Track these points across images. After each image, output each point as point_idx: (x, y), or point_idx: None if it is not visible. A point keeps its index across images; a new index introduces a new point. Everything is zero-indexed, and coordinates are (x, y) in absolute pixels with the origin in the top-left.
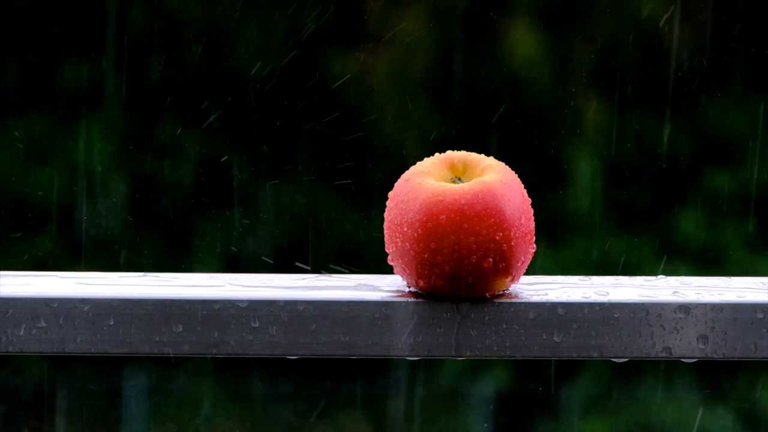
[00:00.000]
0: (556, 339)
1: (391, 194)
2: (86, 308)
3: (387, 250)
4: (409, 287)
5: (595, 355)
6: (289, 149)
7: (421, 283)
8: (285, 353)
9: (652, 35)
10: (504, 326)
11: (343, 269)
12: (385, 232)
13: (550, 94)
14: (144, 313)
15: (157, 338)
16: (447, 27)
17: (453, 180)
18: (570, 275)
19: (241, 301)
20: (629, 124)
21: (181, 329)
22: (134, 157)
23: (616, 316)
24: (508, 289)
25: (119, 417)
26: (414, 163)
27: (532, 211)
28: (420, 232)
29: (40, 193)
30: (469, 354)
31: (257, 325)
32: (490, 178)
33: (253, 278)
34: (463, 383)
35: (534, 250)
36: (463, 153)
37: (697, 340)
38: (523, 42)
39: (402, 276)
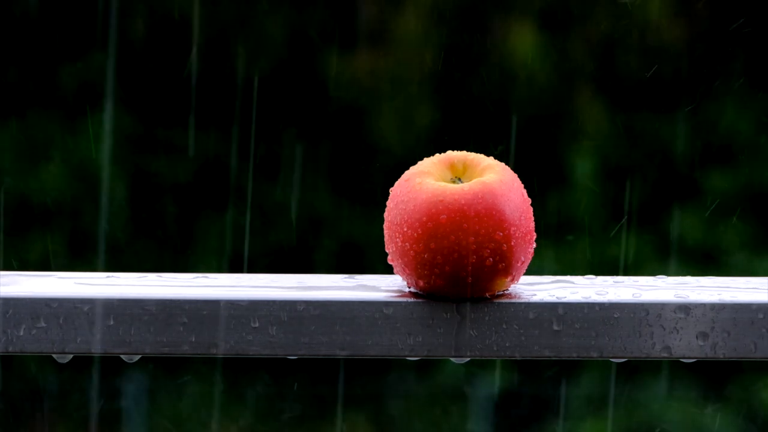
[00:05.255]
0: (556, 339)
1: (391, 194)
2: (86, 308)
3: (387, 250)
4: (409, 287)
5: (595, 355)
6: (289, 149)
7: (421, 283)
8: (285, 353)
9: (652, 35)
10: (504, 326)
11: (342, 269)
12: (385, 232)
13: (549, 94)
14: (144, 313)
15: (157, 338)
16: (446, 27)
17: (453, 180)
18: (570, 275)
19: (241, 301)
20: (629, 124)
21: (181, 329)
22: (134, 157)
23: (616, 316)
24: (508, 289)
25: (119, 417)
26: (414, 163)
27: (532, 211)
28: (420, 232)
29: (41, 193)
30: (469, 354)
31: (257, 325)
32: (489, 178)
33: (253, 278)
34: (463, 383)
35: (534, 250)
36: (463, 153)
37: (697, 340)
38: (522, 42)
39: (402, 276)
